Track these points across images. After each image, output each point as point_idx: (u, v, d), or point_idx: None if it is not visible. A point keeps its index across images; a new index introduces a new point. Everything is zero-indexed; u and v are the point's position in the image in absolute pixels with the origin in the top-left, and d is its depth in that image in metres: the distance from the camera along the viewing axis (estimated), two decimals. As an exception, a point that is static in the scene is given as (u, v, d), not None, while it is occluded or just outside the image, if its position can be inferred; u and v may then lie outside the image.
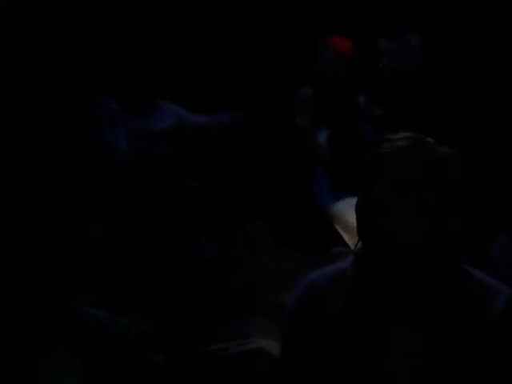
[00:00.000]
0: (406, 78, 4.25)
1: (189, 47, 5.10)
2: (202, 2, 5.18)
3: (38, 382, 3.25)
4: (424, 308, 1.80)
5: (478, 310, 1.80)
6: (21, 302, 3.56)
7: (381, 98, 4.63)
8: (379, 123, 4.61)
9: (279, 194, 4.69)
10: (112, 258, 3.56)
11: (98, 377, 3.16)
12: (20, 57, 4.45)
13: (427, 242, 1.76)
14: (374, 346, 1.79)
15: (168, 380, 3.05)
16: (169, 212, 4.12)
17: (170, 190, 4.27)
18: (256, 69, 5.13)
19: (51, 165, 4.27)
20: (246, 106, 4.90)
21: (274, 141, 4.85)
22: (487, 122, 4.36)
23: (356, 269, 1.87)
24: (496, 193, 4.12)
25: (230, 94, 4.99)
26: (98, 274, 3.45)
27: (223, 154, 4.91)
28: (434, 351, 1.77)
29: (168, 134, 4.61)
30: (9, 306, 3.53)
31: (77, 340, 3.22)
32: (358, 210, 1.82)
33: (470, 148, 4.00)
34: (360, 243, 1.85)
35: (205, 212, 4.31)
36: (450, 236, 1.80)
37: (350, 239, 2.48)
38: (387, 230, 1.75)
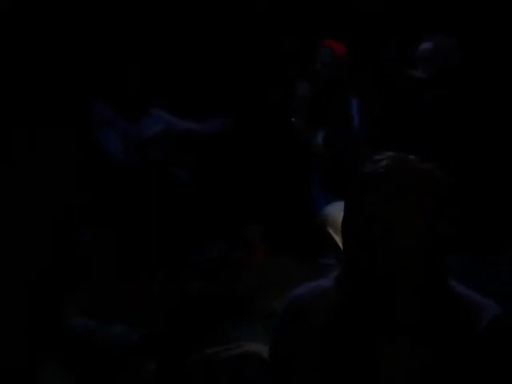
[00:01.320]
0: (444, 83, 4.24)
1: (189, 48, 5.10)
2: (202, 2, 5.18)
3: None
4: (420, 312, 1.80)
5: (463, 328, 1.81)
6: (21, 302, 3.56)
7: (382, 97, 4.63)
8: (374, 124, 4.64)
9: (275, 198, 4.70)
10: (112, 259, 3.56)
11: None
12: (20, 57, 4.46)
13: (424, 245, 1.77)
14: (371, 352, 1.79)
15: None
16: (168, 214, 4.13)
17: (169, 192, 4.29)
18: (256, 69, 5.13)
19: (51, 165, 4.27)
20: (244, 108, 4.90)
21: (272, 144, 4.87)
22: (489, 123, 4.35)
23: (340, 285, 1.88)
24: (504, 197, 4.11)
25: (229, 95, 4.99)
26: (97, 275, 3.44)
27: (221, 158, 4.92)
28: (431, 355, 1.78)
29: (158, 138, 4.64)
30: (9, 307, 3.53)
31: (71, 350, 3.23)
32: (349, 226, 1.83)
33: (472, 148, 3.99)
34: (346, 257, 1.86)
35: (203, 214, 4.32)
36: (445, 238, 1.80)
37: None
38: (385, 236, 1.75)
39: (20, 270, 3.76)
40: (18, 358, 3.30)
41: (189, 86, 5.03)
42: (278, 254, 3.81)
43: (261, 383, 2.54)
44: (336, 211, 2.73)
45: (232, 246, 3.74)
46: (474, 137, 4.03)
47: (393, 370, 1.78)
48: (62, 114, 4.43)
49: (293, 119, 4.85)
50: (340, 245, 2.70)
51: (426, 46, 4.21)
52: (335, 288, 1.89)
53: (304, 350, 1.86)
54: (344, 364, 1.81)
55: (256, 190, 4.70)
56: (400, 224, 1.75)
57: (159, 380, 3.00)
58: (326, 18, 5.13)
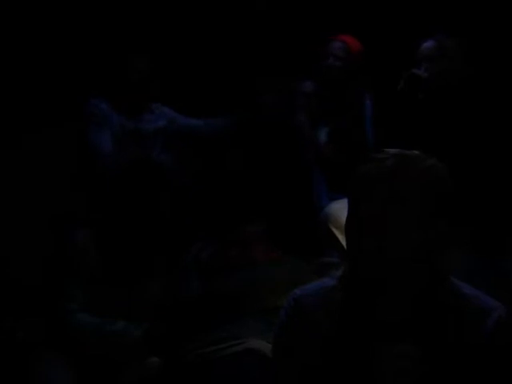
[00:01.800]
0: (447, 82, 4.23)
1: (187, 47, 5.10)
2: (200, 3, 5.18)
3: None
4: (423, 311, 1.80)
5: (468, 328, 1.81)
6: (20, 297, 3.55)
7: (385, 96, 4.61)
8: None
9: (278, 196, 4.68)
10: (106, 260, 3.54)
11: (94, 382, 3.17)
12: (18, 57, 4.46)
13: (426, 242, 1.76)
14: (373, 351, 1.79)
15: (162, 383, 3.06)
16: (167, 211, 4.11)
17: (167, 189, 4.27)
18: (258, 67, 5.12)
19: (48, 164, 4.28)
20: (243, 107, 4.89)
21: (273, 141, 4.85)
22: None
23: (344, 284, 1.89)
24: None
25: (231, 93, 4.99)
26: (92, 276, 3.43)
27: (221, 156, 4.92)
28: (428, 365, 1.77)
29: (160, 134, 4.64)
30: (7, 302, 3.53)
31: (72, 346, 3.22)
32: (353, 225, 1.82)
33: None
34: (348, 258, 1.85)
35: (202, 212, 4.31)
36: (445, 236, 1.79)
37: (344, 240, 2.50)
38: (388, 235, 1.75)
39: (21, 265, 3.76)
40: (18, 355, 3.29)
41: (191, 83, 5.03)
42: (280, 252, 3.81)
43: (263, 380, 2.54)
44: (339, 209, 2.73)
45: (234, 245, 3.75)
46: (477, 134, 4.04)
47: (395, 371, 1.77)
48: (61, 113, 4.42)
49: (296, 116, 4.83)
50: (343, 243, 2.70)
51: (427, 44, 4.20)
52: (339, 287, 1.89)
53: (306, 348, 1.86)
54: (346, 362, 1.82)
55: (258, 188, 4.69)
56: (403, 222, 1.74)
57: (162, 377, 2.99)
58: (327, 16, 5.13)
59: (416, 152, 1.84)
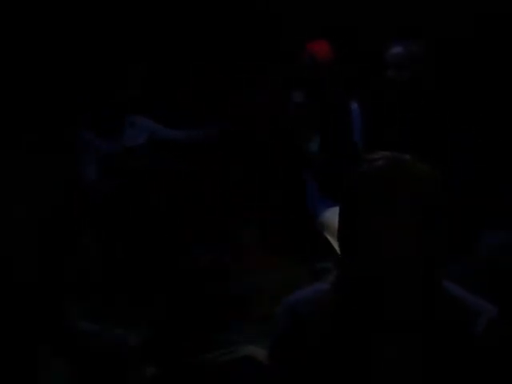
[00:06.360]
0: (421, 86, 4.22)
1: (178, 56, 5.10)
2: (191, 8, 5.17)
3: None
4: (415, 314, 1.82)
5: (457, 330, 1.82)
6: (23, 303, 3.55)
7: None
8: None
9: (272, 202, 4.69)
10: (104, 269, 3.56)
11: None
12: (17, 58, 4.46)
13: (419, 247, 1.77)
14: (367, 354, 1.81)
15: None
16: (159, 220, 4.13)
17: (159, 198, 4.30)
18: (253, 73, 5.12)
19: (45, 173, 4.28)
20: (238, 113, 4.90)
21: (270, 148, 4.86)
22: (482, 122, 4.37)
23: (337, 289, 1.89)
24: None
25: (224, 100, 4.99)
26: (91, 285, 3.44)
27: (216, 162, 4.92)
28: (425, 357, 1.80)
29: (144, 148, 4.66)
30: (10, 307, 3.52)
31: (72, 353, 3.23)
32: (344, 230, 1.83)
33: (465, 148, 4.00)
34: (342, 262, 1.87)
35: (196, 219, 4.33)
36: (440, 240, 1.80)
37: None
38: (380, 240, 1.76)
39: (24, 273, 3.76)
40: (19, 359, 3.30)
41: (179, 93, 5.03)
42: (274, 257, 3.82)
43: None
44: (333, 216, 2.74)
45: (227, 250, 3.75)
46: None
47: (389, 372, 1.79)
48: (61, 116, 4.43)
49: (290, 126, 4.83)
50: (337, 249, 2.73)
51: (395, 51, 4.17)
52: (332, 292, 1.90)
53: (302, 353, 1.87)
54: (342, 366, 1.83)
55: (253, 194, 4.69)
56: (395, 226, 1.75)
57: (156, 384, 3.01)
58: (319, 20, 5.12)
59: (407, 155, 1.84)
